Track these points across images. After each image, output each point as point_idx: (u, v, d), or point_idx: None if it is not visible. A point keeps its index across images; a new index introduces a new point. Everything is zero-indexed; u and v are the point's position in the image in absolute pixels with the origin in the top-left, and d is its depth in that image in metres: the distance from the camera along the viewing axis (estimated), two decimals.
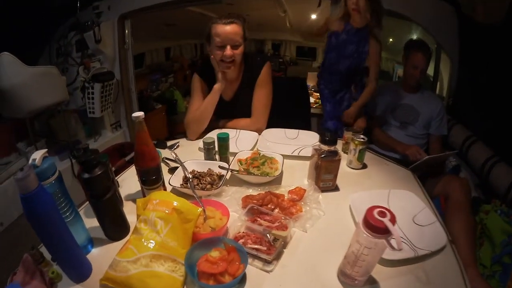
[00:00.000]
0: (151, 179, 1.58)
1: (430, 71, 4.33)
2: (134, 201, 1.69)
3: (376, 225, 1.03)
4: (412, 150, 3.06)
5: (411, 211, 1.62)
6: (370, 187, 1.90)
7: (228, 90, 2.80)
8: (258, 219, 1.49)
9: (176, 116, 7.20)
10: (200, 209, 1.38)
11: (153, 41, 7.93)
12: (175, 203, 1.33)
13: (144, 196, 1.64)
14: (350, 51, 3.27)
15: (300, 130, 2.66)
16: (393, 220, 1.04)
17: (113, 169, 1.72)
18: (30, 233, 1.08)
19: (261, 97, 2.72)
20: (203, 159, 2.14)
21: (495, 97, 3.35)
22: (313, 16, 6.89)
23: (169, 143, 2.55)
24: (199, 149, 2.37)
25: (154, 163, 1.60)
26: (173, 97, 7.38)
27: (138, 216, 1.38)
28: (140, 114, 1.49)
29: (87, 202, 1.67)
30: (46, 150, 1.26)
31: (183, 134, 2.71)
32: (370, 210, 1.08)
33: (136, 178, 1.64)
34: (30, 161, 1.20)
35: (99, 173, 1.34)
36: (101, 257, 1.40)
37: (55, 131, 4.61)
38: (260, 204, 1.59)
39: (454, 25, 4.08)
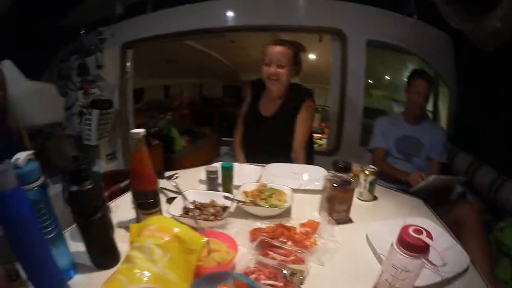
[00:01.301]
0: (148, 202, 1.43)
1: (429, 104, 4.36)
2: (126, 229, 1.55)
3: (414, 243, 1.00)
4: (414, 176, 2.96)
5: None
6: (384, 217, 1.81)
7: (270, 107, 2.94)
8: (271, 252, 1.32)
9: (173, 154, 7.09)
10: (205, 239, 1.21)
11: (153, 77, 7.98)
12: (176, 230, 1.17)
13: (138, 220, 1.48)
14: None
15: (305, 165, 2.56)
16: (430, 236, 1.01)
17: (106, 194, 1.59)
18: None
19: (300, 135, 2.81)
20: (203, 190, 2.03)
21: (496, 118, 3.48)
22: (312, 56, 6.89)
23: (167, 174, 2.41)
24: (201, 181, 2.25)
25: (152, 186, 1.47)
26: (170, 134, 7.30)
27: (131, 243, 1.20)
28: (141, 130, 1.39)
29: (73, 226, 1.52)
30: (32, 152, 1.17)
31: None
32: (405, 229, 1.04)
33: (130, 206, 1.53)
34: (13, 159, 1.12)
35: (89, 187, 1.20)
36: (83, 285, 1.26)
37: (49, 153, 4.47)
38: (271, 237, 1.43)
39: (451, 54, 4.27)
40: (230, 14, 4.79)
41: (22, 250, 1.02)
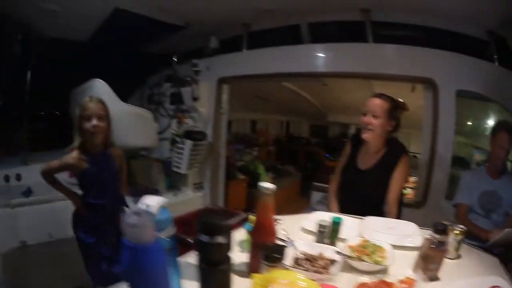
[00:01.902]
0: (275, 256, 1.45)
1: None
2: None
3: None
4: (493, 234, 2.91)
5: None
6: (465, 275, 1.87)
7: (368, 160, 2.98)
8: None
9: (257, 190, 6.94)
10: None
11: (242, 111, 8.07)
12: (304, 285, 1.25)
13: (253, 270, 1.53)
14: None
15: (399, 220, 2.62)
16: None
17: None
18: None
19: (395, 190, 2.85)
20: (309, 240, 2.11)
21: None
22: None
23: None
24: (303, 230, 2.32)
25: (273, 238, 1.59)
26: (256, 170, 7.36)
27: None
28: (271, 186, 1.52)
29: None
30: (165, 200, 1.22)
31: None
32: None
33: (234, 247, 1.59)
34: (143, 206, 1.15)
35: (222, 240, 1.26)
36: None
37: (133, 173, 4.66)
38: None
39: None
40: (323, 59, 4.89)
41: None
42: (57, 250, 4.03)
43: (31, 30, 4.75)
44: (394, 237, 2.24)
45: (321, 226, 2.06)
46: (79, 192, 2.87)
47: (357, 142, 3.03)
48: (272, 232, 1.58)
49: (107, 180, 2.82)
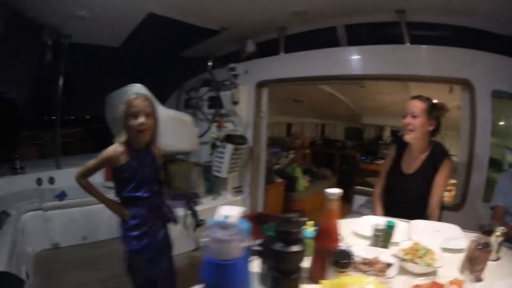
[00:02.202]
0: (344, 261, 1.43)
1: None
2: None
3: None
4: None
5: None
6: (505, 276, 1.92)
7: (411, 164, 3.05)
8: None
9: (295, 193, 7.12)
10: None
11: (277, 114, 8.05)
12: None
13: (316, 276, 1.55)
14: None
15: (443, 223, 2.65)
16: None
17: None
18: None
19: (438, 193, 2.89)
20: (363, 244, 2.16)
21: None
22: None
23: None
24: (355, 234, 2.38)
25: (336, 244, 1.60)
26: (294, 173, 7.35)
27: None
28: (338, 191, 1.51)
29: None
30: (244, 209, 1.22)
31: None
32: None
33: None
34: (220, 217, 1.11)
35: (299, 249, 1.29)
36: None
37: (171, 176, 4.70)
38: None
39: None
40: (360, 61, 4.91)
41: None
42: (89, 253, 4.19)
43: (62, 36, 4.90)
44: (441, 240, 2.29)
45: (376, 230, 2.11)
46: (114, 196, 2.81)
47: (401, 145, 3.10)
48: (336, 238, 1.61)
49: (148, 175, 2.75)
